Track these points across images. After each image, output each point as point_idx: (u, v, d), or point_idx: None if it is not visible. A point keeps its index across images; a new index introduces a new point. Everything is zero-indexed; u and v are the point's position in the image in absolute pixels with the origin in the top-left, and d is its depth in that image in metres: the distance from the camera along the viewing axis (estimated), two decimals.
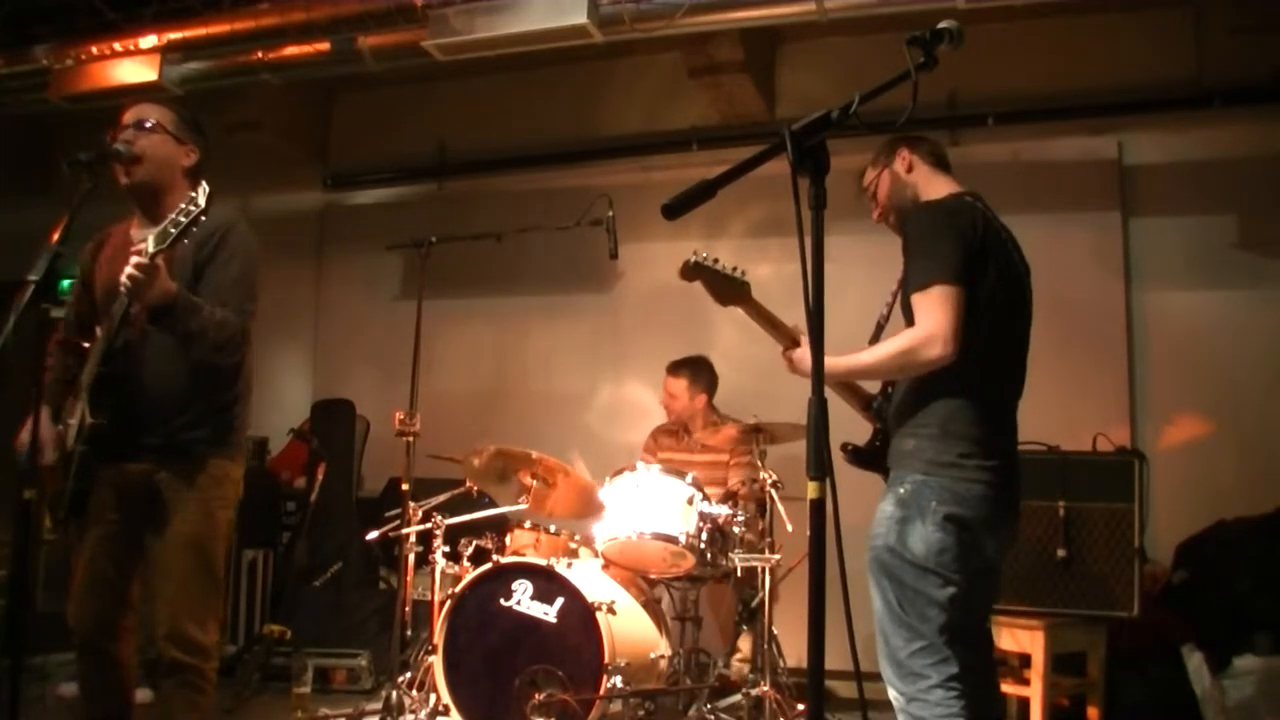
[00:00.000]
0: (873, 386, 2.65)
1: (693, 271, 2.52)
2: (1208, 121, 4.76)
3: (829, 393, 1.69)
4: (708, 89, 5.25)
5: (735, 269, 2.54)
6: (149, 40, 4.95)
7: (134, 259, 2.30)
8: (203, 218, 2.29)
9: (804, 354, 2.39)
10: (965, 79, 4.97)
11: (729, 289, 2.53)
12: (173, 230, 2.29)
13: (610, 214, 4.09)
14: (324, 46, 4.84)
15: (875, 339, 2.54)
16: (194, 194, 2.30)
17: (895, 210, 2.57)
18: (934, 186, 2.51)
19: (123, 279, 2.31)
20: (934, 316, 2.22)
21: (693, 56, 5.12)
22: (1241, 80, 4.66)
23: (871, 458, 2.54)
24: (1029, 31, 4.92)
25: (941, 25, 1.79)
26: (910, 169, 2.54)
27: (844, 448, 2.55)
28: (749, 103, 5.32)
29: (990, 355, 2.31)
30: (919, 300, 2.27)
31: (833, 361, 2.30)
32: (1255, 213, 4.70)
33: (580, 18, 4.24)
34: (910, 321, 2.31)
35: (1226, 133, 4.76)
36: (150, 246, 2.30)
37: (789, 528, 3.83)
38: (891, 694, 2.28)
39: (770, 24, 4.62)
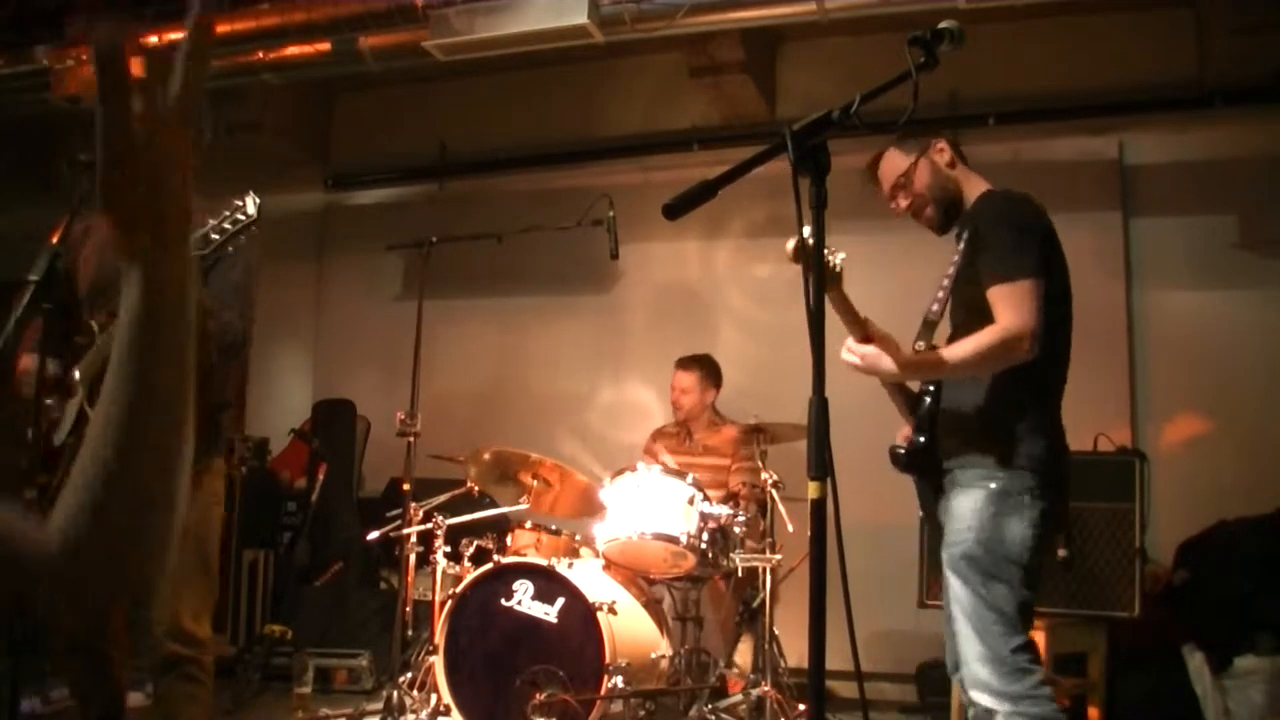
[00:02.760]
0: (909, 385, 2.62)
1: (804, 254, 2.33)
2: (1208, 121, 4.76)
3: (834, 392, 1.68)
4: (708, 89, 5.25)
5: (834, 254, 2.34)
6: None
7: None
8: (254, 229, 2.30)
9: (870, 350, 2.29)
10: (966, 79, 4.97)
11: (826, 276, 2.32)
12: (216, 236, 2.30)
13: (611, 214, 4.09)
14: (325, 47, 4.84)
15: (928, 336, 2.42)
16: (241, 202, 2.31)
17: (935, 202, 2.51)
18: (974, 182, 2.50)
19: None
20: (1023, 313, 2.19)
21: (693, 56, 5.12)
22: (1242, 80, 4.66)
23: (919, 459, 2.46)
24: (1029, 31, 4.92)
25: (942, 25, 1.79)
26: (952, 163, 2.51)
27: (895, 452, 2.47)
28: (749, 103, 5.32)
29: (1058, 350, 2.34)
30: (1006, 293, 2.23)
31: (921, 358, 2.26)
32: (1256, 213, 4.70)
33: (580, 18, 4.24)
34: (970, 314, 2.29)
35: (1227, 133, 4.76)
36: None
37: (790, 528, 3.83)
38: (986, 700, 2.20)
39: (770, 24, 4.61)
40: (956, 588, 2.27)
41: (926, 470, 2.45)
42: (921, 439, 2.45)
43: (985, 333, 2.23)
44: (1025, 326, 2.18)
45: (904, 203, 2.55)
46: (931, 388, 2.47)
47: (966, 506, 2.29)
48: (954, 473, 2.37)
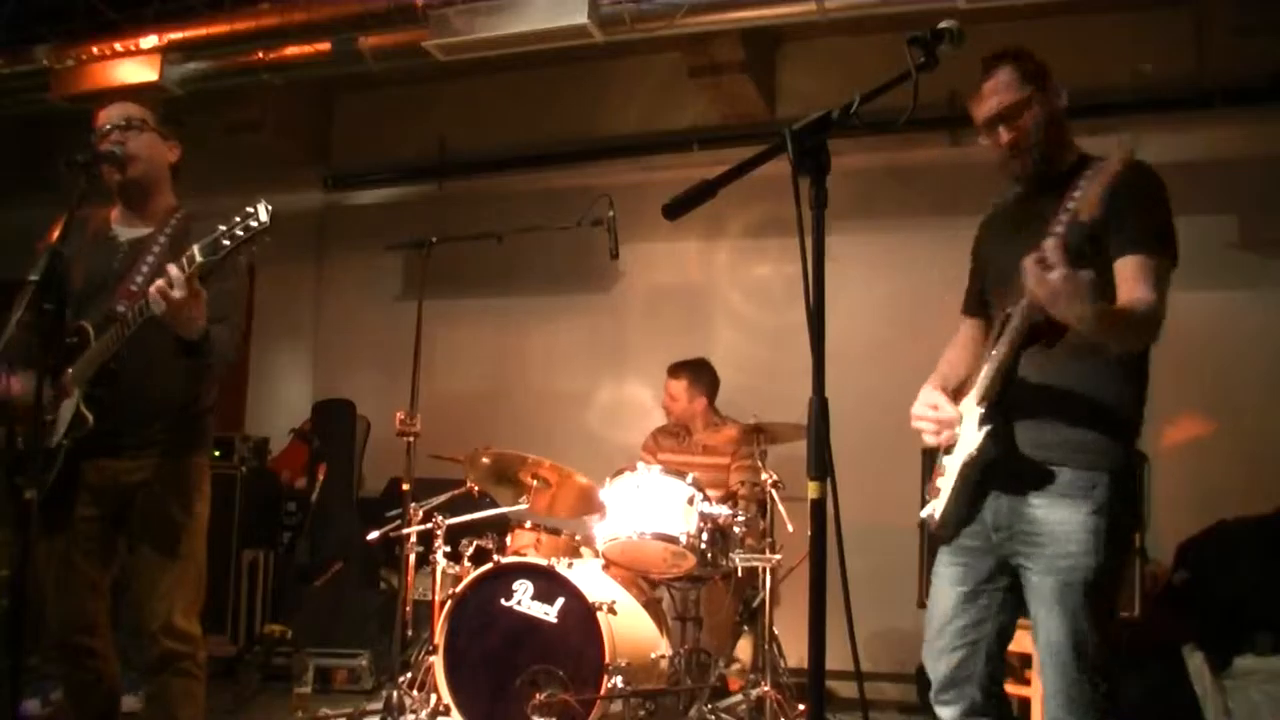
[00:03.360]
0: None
1: None
2: (1208, 121, 4.76)
3: (833, 392, 1.68)
4: (708, 89, 5.26)
5: None
6: (149, 40, 4.95)
7: (172, 270, 2.28)
8: (267, 238, 2.29)
9: (1073, 274, 1.83)
10: (966, 79, 4.93)
11: None
12: (226, 243, 2.28)
13: (611, 214, 4.08)
14: (324, 46, 4.85)
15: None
16: (252, 209, 2.28)
17: (1040, 146, 2.18)
18: (1070, 140, 2.25)
19: (153, 293, 2.30)
20: (1162, 293, 2.02)
21: (693, 56, 5.12)
22: (1242, 80, 4.66)
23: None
24: (1030, 31, 4.90)
25: (942, 25, 1.78)
26: (1064, 112, 2.21)
27: (985, 450, 2.08)
28: (749, 103, 5.32)
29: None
30: (1152, 268, 2.03)
31: (1107, 308, 1.95)
32: (1255, 213, 4.70)
33: (580, 18, 4.24)
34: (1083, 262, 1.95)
35: (1227, 133, 4.76)
36: (198, 255, 2.29)
37: (789, 528, 3.83)
38: None
39: (770, 24, 4.62)
40: (1057, 622, 1.99)
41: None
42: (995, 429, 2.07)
43: (1139, 302, 1.98)
44: (1163, 307, 2.00)
45: (1006, 136, 2.20)
46: (1000, 366, 2.09)
47: (1075, 522, 1.99)
48: (1037, 473, 2.05)
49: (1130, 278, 2.04)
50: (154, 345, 2.51)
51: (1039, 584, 2.05)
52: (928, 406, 2.22)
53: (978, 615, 2.20)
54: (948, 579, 2.24)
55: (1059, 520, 2.03)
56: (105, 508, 2.57)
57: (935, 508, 2.24)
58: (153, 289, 2.30)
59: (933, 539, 2.26)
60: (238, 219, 2.29)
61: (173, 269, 2.29)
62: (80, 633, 2.58)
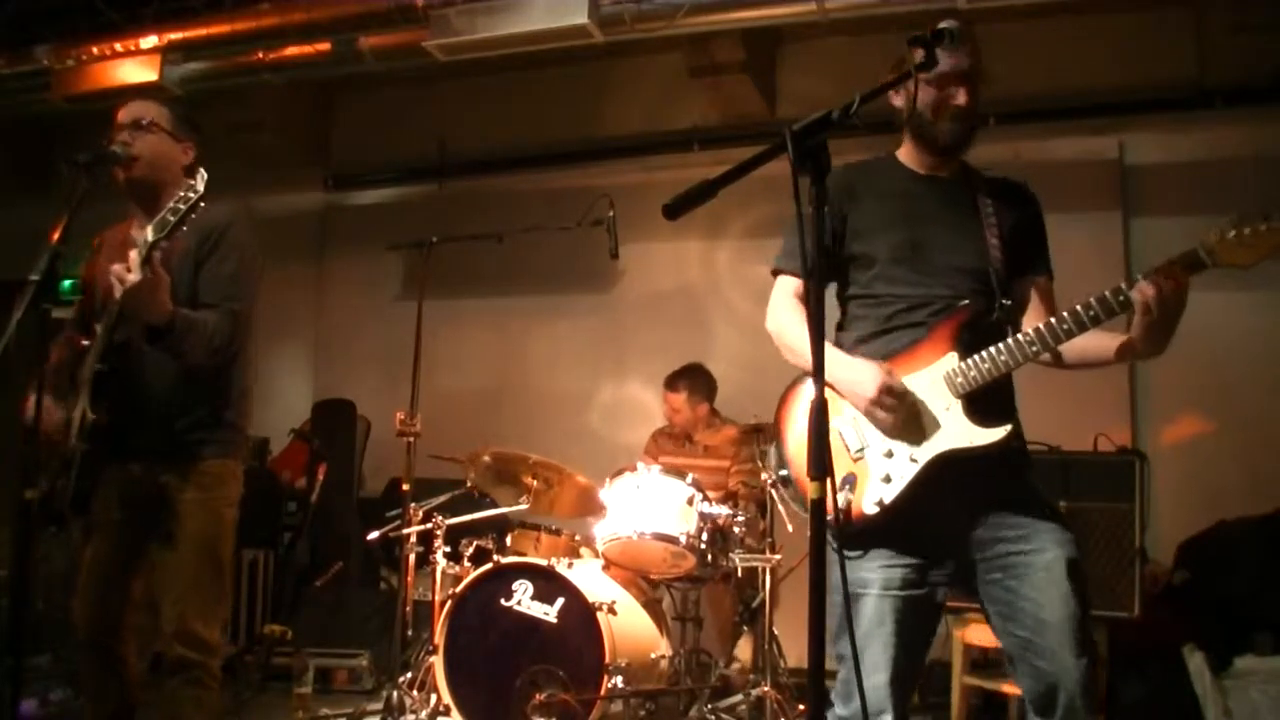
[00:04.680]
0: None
1: None
2: (1208, 121, 4.76)
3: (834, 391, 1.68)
4: (708, 89, 5.26)
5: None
6: (150, 40, 4.96)
7: (130, 254, 2.31)
8: (202, 204, 2.30)
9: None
10: None
11: None
12: (171, 218, 2.30)
13: (611, 214, 4.09)
14: (325, 46, 4.85)
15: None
16: (192, 181, 2.32)
17: (973, 128, 2.33)
18: None
19: (111, 278, 2.33)
20: None
21: (693, 56, 5.12)
22: (1242, 80, 4.66)
23: None
24: (1029, 31, 4.92)
25: (942, 25, 1.79)
26: None
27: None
28: (749, 103, 5.32)
29: None
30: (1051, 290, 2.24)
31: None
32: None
33: (581, 18, 4.25)
34: (1018, 272, 2.25)
35: (1227, 133, 4.76)
36: (150, 235, 2.31)
37: (789, 528, 3.83)
38: None
39: (770, 24, 4.62)
40: (1070, 592, 1.97)
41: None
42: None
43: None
44: None
45: (965, 98, 2.27)
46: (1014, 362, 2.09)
47: (1045, 496, 2.12)
48: (1017, 450, 2.11)
49: (1045, 299, 2.28)
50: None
51: (1052, 561, 1.97)
52: (897, 390, 2.05)
53: (926, 617, 2.11)
54: (891, 582, 2.06)
55: (1043, 497, 2.10)
56: (130, 510, 2.56)
57: (866, 497, 2.05)
58: (110, 274, 2.32)
59: (859, 534, 2.05)
60: (181, 193, 2.32)
61: (131, 253, 2.31)
62: (104, 634, 2.58)
